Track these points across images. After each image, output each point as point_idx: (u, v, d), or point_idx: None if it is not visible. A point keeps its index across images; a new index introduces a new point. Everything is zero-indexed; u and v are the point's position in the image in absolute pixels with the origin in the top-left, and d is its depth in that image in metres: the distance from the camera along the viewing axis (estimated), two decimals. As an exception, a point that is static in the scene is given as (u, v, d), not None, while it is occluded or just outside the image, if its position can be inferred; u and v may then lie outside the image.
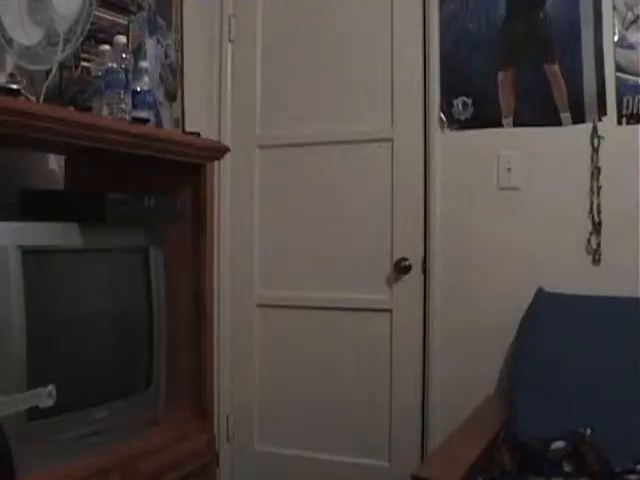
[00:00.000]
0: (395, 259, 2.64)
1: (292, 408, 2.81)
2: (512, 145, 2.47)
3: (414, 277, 2.62)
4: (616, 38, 2.31)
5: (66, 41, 1.82)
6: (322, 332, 2.76)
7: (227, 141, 2.82)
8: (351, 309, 2.72)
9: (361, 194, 2.72)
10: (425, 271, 2.60)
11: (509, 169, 2.48)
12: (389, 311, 2.66)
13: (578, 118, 2.38)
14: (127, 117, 1.94)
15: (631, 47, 2.30)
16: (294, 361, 2.81)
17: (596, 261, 2.36)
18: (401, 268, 2.62)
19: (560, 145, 2.41)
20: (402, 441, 2.62)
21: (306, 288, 2.80)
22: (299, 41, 2.81)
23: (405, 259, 2.62)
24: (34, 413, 1.54)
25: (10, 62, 1.77)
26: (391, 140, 2.66)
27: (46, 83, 1.90)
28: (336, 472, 2.70)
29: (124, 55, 1.98)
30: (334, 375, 2.74)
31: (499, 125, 2.48)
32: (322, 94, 2.77)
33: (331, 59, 2.76)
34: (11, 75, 1.67)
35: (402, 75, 2.64)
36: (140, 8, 2.51)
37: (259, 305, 2.87)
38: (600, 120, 2.35)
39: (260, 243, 2.88)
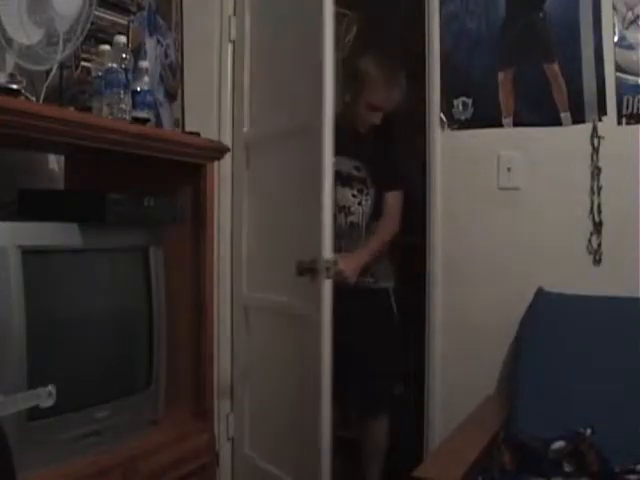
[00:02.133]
0: (299, 261, 2.22)
1: (260, 414, 2.64)
2: (512, 145, 2.47)
3: (318, 279, 2.19)
4: (616, 38, 2.31)
5: (66, 41, 1.82)
6: (270, 335, 2.57)
7: (227, 141, 2.81)
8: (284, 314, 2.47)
9: (284, 192, 2.46)
10: (424, 273, 2.60)
11: (509, 169, 2.48)
12: (305, 316, 2.29)
13: (578, 118, 2.38)
14: (127, 117, 1.94)
15: (631, 47, 2.30)
16: (261, 363, 2.64)
17: (597, 261, 2.36)
18: (304, 270, 2.20)
19: (560, 145, 2.40)
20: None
21: (270, 290, 2.52)
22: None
23: (309, 261, 2.20)
24: (34, 413, 1.54)
25: (10, 62, 1.77)
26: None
27: (46, 83, 1.90)
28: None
29: (124, 55, 1.98)
30: (275, 377, 2.52)
31: (499, 125, 2.48)
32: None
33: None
34: (11, 75, 1.67)
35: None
36: (140, 8, 2.51)
37: (244, 306, 2.72)
38: (600, 120, 2.34)
39: (245, 243, 2.72)
